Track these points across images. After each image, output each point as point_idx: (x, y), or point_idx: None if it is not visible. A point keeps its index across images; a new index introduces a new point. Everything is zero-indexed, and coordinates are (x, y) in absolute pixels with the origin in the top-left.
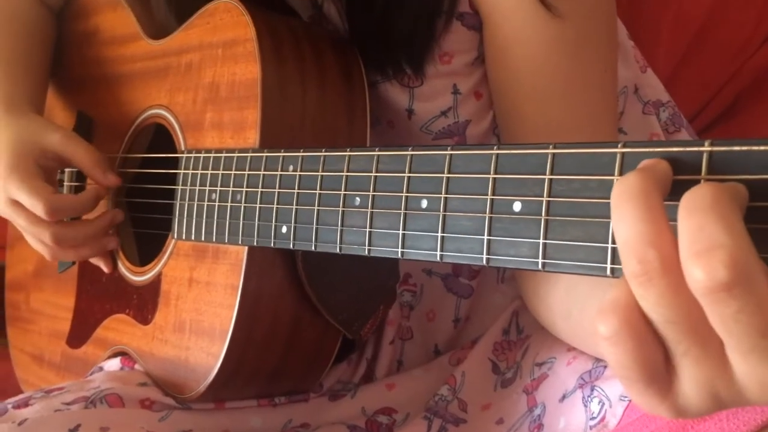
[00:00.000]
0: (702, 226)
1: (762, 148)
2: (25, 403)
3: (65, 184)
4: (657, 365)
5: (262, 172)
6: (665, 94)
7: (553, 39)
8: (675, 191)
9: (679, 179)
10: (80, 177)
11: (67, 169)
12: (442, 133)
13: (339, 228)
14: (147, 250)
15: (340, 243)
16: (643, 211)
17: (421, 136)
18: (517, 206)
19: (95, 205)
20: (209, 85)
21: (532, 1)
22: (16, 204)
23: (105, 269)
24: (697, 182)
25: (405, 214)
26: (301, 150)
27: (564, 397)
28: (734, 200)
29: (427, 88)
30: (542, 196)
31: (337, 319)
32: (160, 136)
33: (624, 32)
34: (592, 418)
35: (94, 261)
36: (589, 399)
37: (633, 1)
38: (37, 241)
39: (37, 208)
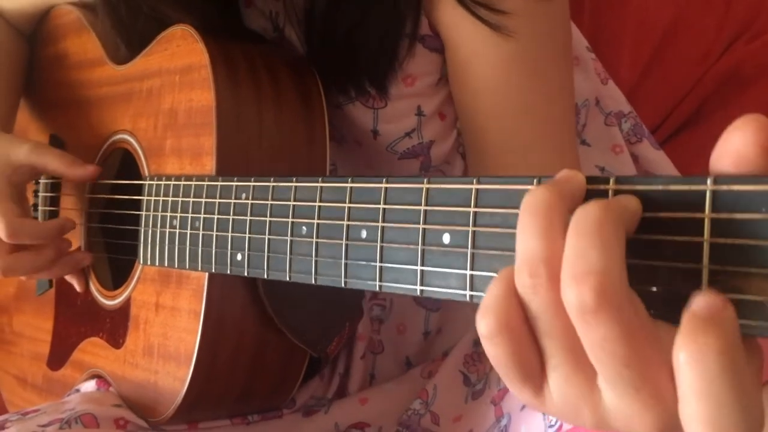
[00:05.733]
0: (585, 249)
1: (671, 187)
2: (2, 426)
3: (39, 209)
4: (532, 367)
5: (217, 200)
6: (627, 105)
7: (509, 58)
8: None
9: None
10: (54, 201)
11: (41, 194)
12: (407, 153)
13: (288, 256)
14: (120, 274)
15: (290, 271)
16: (543, 227)
17: (387, 156)
18: (446, 238)
19: (58, 235)
20: (168, 112)
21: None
22: None
23: (77, 288)
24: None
25: (347, 245)
26: (252, 179)
27: (524, 405)
28: (619, 221)
29: (391, 109)
30: (468, 228)
31: (301, 340)
32: (128, 161)
33: (584, 45)
34: (551, 426)
35: (68, 278)
36: None
37: (595, 13)
38: None
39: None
